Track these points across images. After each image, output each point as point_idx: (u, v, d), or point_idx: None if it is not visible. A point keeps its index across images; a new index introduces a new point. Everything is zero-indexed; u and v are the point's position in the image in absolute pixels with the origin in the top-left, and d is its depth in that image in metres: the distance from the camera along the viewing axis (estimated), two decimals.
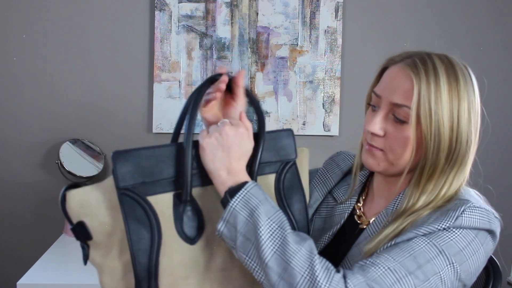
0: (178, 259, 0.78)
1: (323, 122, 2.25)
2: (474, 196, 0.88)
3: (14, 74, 2.16)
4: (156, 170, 0.78)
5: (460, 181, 0.87)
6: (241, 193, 0.77)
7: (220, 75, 0.87)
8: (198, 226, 0.80)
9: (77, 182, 0.81)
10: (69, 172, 2.03)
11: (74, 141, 2.12)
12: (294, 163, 0.91)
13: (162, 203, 0.78)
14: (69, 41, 2.17)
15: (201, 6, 2.17)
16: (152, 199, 0.77)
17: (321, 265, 0.73)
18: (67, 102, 2.18)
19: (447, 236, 0.80)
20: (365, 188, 1.02)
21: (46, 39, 2.16)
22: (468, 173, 0.89)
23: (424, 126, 0.83)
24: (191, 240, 0.79)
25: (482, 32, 2.29)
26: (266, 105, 2.23)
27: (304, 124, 2.25)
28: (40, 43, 2.16)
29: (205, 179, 0.82)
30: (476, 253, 0.81)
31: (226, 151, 0.79)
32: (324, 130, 2.25)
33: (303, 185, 0.92)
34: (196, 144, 0.81)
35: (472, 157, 0.88)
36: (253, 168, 0.84)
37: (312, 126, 2.25)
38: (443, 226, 0.80)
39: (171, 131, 2.17)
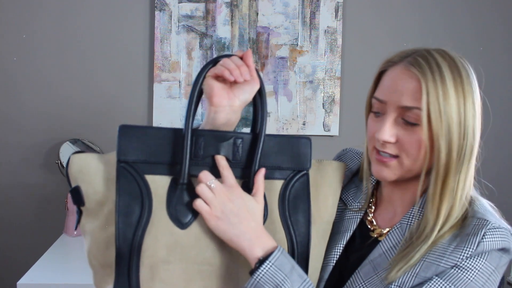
0: (163, 240, 0.76)
1: (323, 122, 2.25)
2: (489, 209, 0.86)
3: (14, 74, 2.16)
4: (160, 152, 0.78)
5: (470, 178, 0.85)
6: (266, 266, 0.76)
7: (226, 55, 0.83)
8: (192, 213, 0.79)
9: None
10: None
11: (74, 141, 2.11)
12: (306, 174, 0.88)
13: (159, 183, 0.78)
14: (69, 41, 2.17)
15: (201, 6, 2.17)
16: (149, 178, 0.78)
17: None
18: (67, 102, 2.18)
19: (467, 277, 0.79)
20: (374, 191, 0.98)
21: (46, 39, 2.16)
22: (474, 168, 0.86)
23: (435, 126, 0.80)
24: (181, 225, 0.78)
25: (484, 32, 2.29)
26: None
27: (304, 124, 2.25)
28: (40, 43, 2.16)
29: (205, 170, 0.81)
30: (493, 285, 0.81)
31: (237, 216, 0.78)
32: (324, 130, 2.25)
33: (310, 200, 0.88)
34: (204, 134, 0.80)
35: (476, 150, 0.86)
36: (252, 172, 0.82)
37: (312, 126, 2.25)
38: (465, 255, 0.79)
39: None
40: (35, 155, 2.18)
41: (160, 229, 0.76)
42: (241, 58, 0.84)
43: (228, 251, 0.80)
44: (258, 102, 0.86)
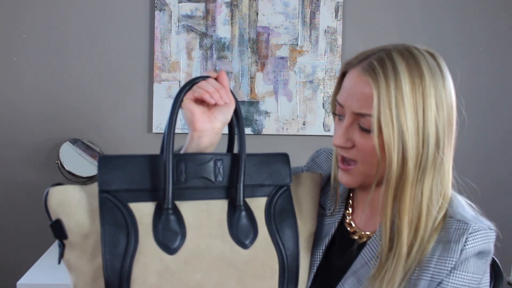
0: (152, 267, 0.75)
1: (323, 122, 2.25)
2: (467, 208, 0.83)
3: (14, 74, 2.16)
4: (141, 179, 0.79)
5: (439, 187, 0.80)
6: None
7: (202, 77, 0.84)
8: (180, 237, 0.78)
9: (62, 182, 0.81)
10: (69, 172, 2.03)
11: (74, 141, 2.11)
12: (288, 189, 0.88)
13: (143, 210, 0.78)
14: (69, 41, 2.16)
15: (201, 6, 2.17)
16: (133, 206, 0.77)
17: None
18: (67, 102, 2.18)
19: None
20: (350, 193, 0.96)
21: (46, 39, 2.16)
22: (450, 176, 0.82)
23: (385, 134, 0.75)
24: (170, 250, 0.77)
25: (484, 32, 2.29)
26: (266, 105, 2.22)
27: (304, 124, 2.25)
28: (40, 43, 2.15)
29: (189, 193, 0.81)
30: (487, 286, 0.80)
31: None
32: (324, 130, 2.25)
33: (295, 212, 0.88)
34: (184, 158, 0.81)
35: (449, 156, 0.80)
36: (238, 190, 0.82)
37: (312, 126, 2.25)
38: (451, 265, 0.77)
39: None
40: (35, 155, 2.18)
41: (149, 257, 0.76)
42: (216, 79, 0.85)
43: (218, 271, 0.79)
44: (234, 122, 0.87)
